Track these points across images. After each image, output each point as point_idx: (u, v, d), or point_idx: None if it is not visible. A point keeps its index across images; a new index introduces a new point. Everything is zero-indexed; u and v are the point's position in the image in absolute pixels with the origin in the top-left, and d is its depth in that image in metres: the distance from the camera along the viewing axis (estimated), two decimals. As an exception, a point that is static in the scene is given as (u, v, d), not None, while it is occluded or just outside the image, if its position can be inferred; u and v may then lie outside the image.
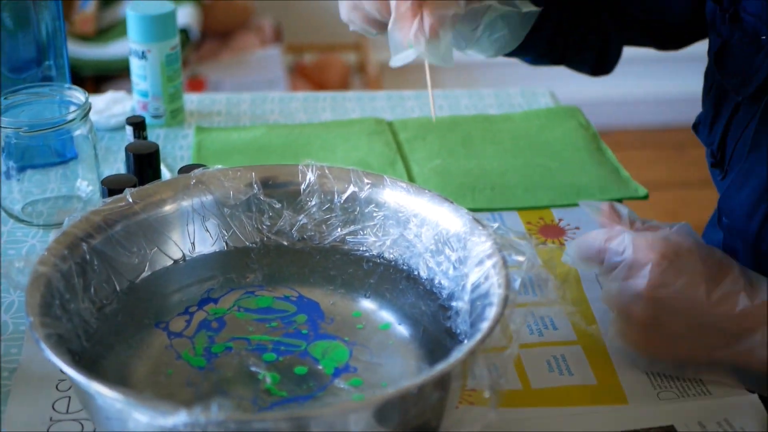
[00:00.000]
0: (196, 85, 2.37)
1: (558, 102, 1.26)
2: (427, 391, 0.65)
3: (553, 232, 1.00)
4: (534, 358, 0.83)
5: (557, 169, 1.09)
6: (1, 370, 0.81)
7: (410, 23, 0.81)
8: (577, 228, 1.00)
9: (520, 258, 0.75)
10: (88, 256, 0.77)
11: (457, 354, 0.66)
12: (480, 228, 0.78)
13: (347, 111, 1.24)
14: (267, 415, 0.61)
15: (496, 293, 0.72)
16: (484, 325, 0.69)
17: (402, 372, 0.77)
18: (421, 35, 0.81)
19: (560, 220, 1.02)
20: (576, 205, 1.03)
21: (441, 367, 0.65)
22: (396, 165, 1.10)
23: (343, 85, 2.63)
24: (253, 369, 0.75)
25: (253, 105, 1.25)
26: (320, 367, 0.76)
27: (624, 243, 0.79)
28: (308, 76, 2.63)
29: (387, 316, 0.82)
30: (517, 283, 0.73)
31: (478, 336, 0.68)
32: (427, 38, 0.82)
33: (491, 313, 0.70)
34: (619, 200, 1.04)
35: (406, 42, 0.83)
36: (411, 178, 1.08)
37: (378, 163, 1.10)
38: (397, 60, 0.85)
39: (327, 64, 2.64)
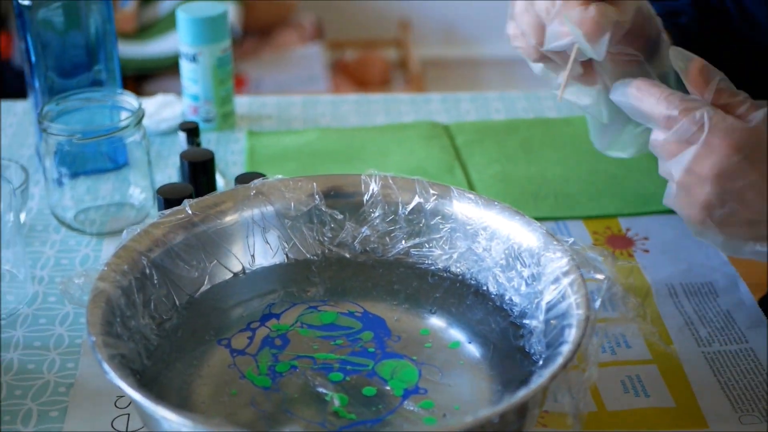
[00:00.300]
0: (237, 82, 2.35)
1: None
2: (508, 419, 0.62)
3: (621, 242, 0.97)
4: (608, 378, 0.80)
5: (622, 177, 1.06)
6: (58, 386, 0.78)
7: (576, 8, 0.76)
8: (646, 238, 0.97)
9: (599, 276, 0.71)
10: (148, 271, 0.75)
11: (539, 379, 0.63)
12: (554, 243, 0.75)
13: (400, 114, 1.21)
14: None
15: (575, 314, 0.69)
16: (565, 349, 0.66)
17: (473, 394, 0.73)
18: (583, 24, 0.76)
19: (628, 229, 0.98)
20: (644, 214, 1.00)
21: (523, 393, 0.62)
22: (454, 171, 1.07)
23: (385, 81, 2.60)
24: (320, 390, 0.72)
25: (304, 108, 1.22)
26: (389, 387, 0.73)
27: (701, 119, 0.71)
28: (349, 73, 2.60)
29: (455, 333, 0.78)
30: (597, 303, 0.69)
31: (560, 360, 0.65)
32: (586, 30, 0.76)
33: (571, 335, 0.67)
34: (687, 209, 1.01)
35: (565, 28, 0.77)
36: (470, 185, 1.05)
37: (436, 170, 1.07)
38: (554, 45, 0.79)
39: (368, 60, 2.61)
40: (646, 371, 0.81)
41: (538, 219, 0.96)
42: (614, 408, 0.77)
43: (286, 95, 1.27)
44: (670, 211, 1.00)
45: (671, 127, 0.72)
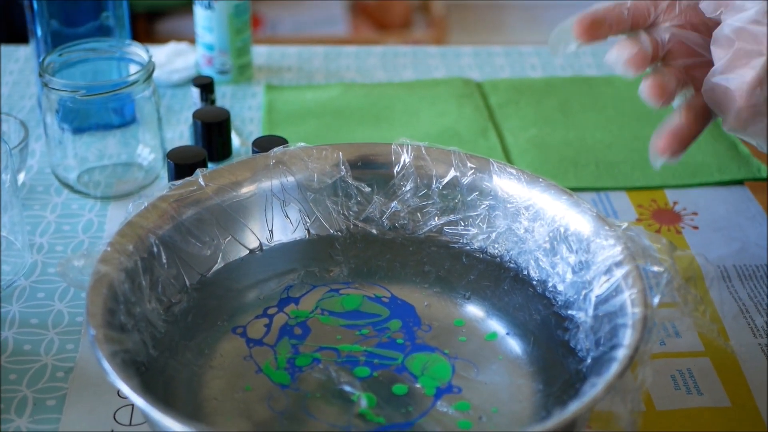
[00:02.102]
0: (254, 22, 2.26)
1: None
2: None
3: (667, 217, 0.89)
4: (657, 373, 0.72)
5: (668, 144, 0.97)
6: (56, 370, 0.72)
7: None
8: (695, 213, 0.89)
9: (658, 269, 0.64)
10: (155, 249, 0.68)
11: (593, 390, 0.56)
12: (606, 228, 0.67)
13: (430, 68, 1.13)
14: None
15: (631, 312, 0.61)
16: (620, 354, 0.59)
17: (512, 393, 0.66)
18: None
19: (675, 203, 0.91)
20: (693, 186, 0.92)
21: (575, 407, 0.55)
22: (488, 134, 0.99)
23: (406, 24, 2.50)
24: (345, 388, 0.65)
25: (327, 60, 1.14)
26: (419, 385, 0.66)
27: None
28: (369, 14, 2.50)
29: (492, 324, 0.71)
30: (656, 301, 0.62)
31: (615, 368, 0.58)
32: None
33: (626, 337, 0.60)
34: (740, 182, 0.93)
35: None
36: (505, 150, 0.97)
37: (468, 132, 0.99)
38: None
39: (389, 3, 2.51)
40: (698, 365, 0.74)
41: (578, 189, 0.90)
42: (664, 407, 0.70)
43: (306, 45, 1.19)
44: (722, 184, 0.93)
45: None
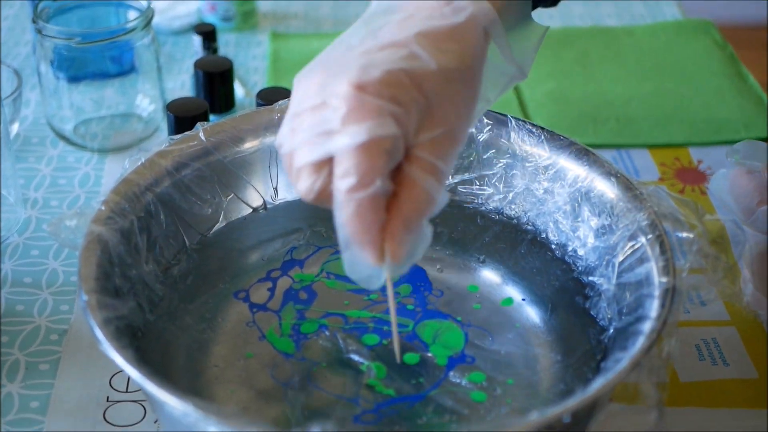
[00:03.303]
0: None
1: (685, 14, 1.09)
2: (580, 415, 0.52)
3: (691, 176, 0.85)
4: (681, 343, 0.69)
5: (691, 99, 0.93)
6: (50, 332, 0.68)
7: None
8: (720, 173, 0.85)
9: (687, 234, 0.60)
10: (152, 208, 0.64)
11: (620, 365, 0.52)
12: (632, 190, 0.63)
13: (442, 17, 1.08)
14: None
15: (658, 282, 0.58)
16: (646, 327, 0.55)
17: (528, 364, 0.63)
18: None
19: (699, 162, 0.87)
20: (717, 143, 0.88)
21: (599, 385, 0.51)
22: (503, 87, 0.95)
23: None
24: (354, 358, 0.62)
25: (336, 7, 1.10)
26: (430, 354, 0.63)
27: None
28: (378, -40, 2.44)
29: (508, 289, 0.68)
30: (684, 270, 0.58)
31: (641, 341, 0.54)
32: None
33: (653, 308, 0.56)
34: (766, 139, 0.89)
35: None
36: (522, 104, 0.93)
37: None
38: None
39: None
40: (724, 335, 0.70)
41: (597, 146, 0.86)
42: (689, 379, 0.67)
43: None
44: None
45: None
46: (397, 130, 0.51)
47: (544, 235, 0.68)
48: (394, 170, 0.53)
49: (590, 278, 0.64)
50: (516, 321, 0.66)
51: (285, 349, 0.63)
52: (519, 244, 0.69)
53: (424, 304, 0.66)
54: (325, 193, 0.53)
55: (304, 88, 0.54)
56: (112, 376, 0.65)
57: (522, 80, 0.62)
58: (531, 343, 0.64)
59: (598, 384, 0.51)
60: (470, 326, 0.65)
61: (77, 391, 0.64)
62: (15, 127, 0.85)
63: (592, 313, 0.63)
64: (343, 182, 0.51)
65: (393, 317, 0.59)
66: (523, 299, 0.67)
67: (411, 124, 0.52)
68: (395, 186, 0.52)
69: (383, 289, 0.63)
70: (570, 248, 0.66)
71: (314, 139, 0.52)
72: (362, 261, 0.53)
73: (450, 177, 0.70)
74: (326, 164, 0.52)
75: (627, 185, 0.64)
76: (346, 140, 0.51)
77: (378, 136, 0.50)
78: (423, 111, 0.52)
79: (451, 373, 0.62)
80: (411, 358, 0.62)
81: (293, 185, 0.54)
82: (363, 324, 0.65)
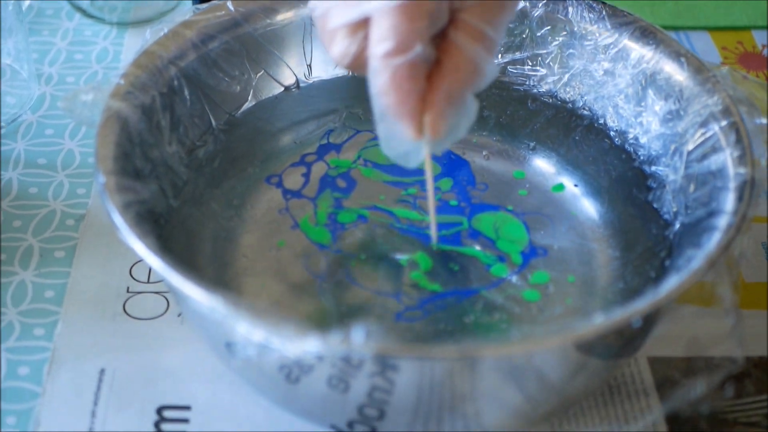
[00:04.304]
0: None
1: None
2: (650, 318, 0.47)
3: (756, 62, 0.79)
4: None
5: (758, -23, 0.86)
6: (66, 217, 0.63)
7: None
8: (787, 59, 0.79)
9: (764, 121, 0.54)
10: (176, 83, 0.58)
11: (694, 265, 0.47)
12: (703, 72, 0.57)
13: None
14: (438, 351, 0.43)
15: (734, 174, 0.52)
16: (722, 222, 0.50)
17: (582, 260, 0.58)
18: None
19: (764, 47, 0.80)
20: (785, 27, 0.82)
21: (673, 285, 0.46)
22: (552, -38, 0.88)
23: None
24: (394, 254, 0.57)
25: None
26: (503, 252, 0.58)
27: None
28: None
29: (561, 179, 0.62)
30: (764, 159, 0.53)
31: (717, 238, 0.49)
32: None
33: (728, 202, 0.51)
34: (838, 23, 0.82)
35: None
36: (572, -19, 0.86)
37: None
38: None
39: None
40: (792, 232, 0.65)
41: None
42: (755, 279, 0.62)
43: None
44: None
45: None
46: None
47: (602, 121, 0.62)
48: (437, 36, 0.48)
49: (653, 168, 0.59)
50: (571, 209, 0.60)
51: (320, 239, 0.58)
52: (573, 131, 0.63)
53: (468, 199, 0.61)
54: (362, 58, 0.47)
55: None
56: (133, 265, 0.60)
57: None
58: (586, 237, 0.59)
59: (671, 284, 0.46)
60: (525, 215, 0.60)
61: (95, 280, 0.60)
62: (28, -2, 0.80)
63: (655, 206, 0.58)
64: (379, 47, 0.46)
65: (431, 196, 0.54)
66: (576, 185, 0.62)
67: None
68: (438, 53, 0.47)
69: (422, 183, 0.58)
70: (631, 135, 0.61)
71: None
72: (398, 135, 0.48)
73: (499, 56, 0.64)
74: (362, 26, 0.47)
75: (698, 67, 0.58)
76: None
77: None
78: None
79: (516, 278, 0.56)
80: (486, 258, 0.57)
81: (327, 49, 0.49)
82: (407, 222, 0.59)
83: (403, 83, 0.46)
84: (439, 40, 0.48)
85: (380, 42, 0.46)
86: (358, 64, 0.48)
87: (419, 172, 0.59)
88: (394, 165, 0.60)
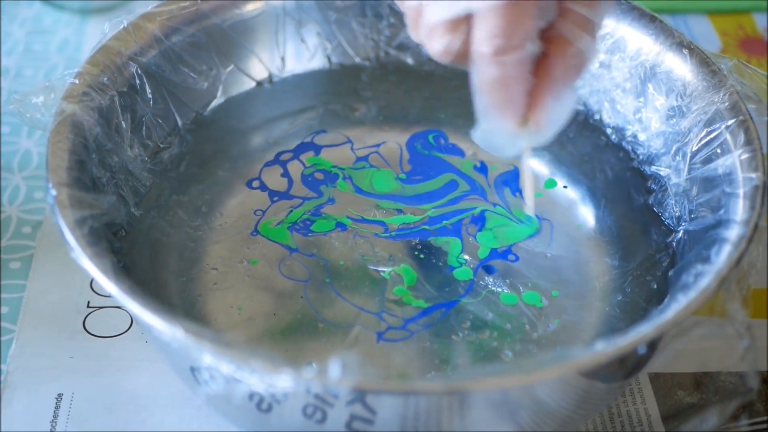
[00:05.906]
0: None
1: None
2: (655, 343, 0.43)
3: (757, 48, 0.75)
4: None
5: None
6: (22, 224, 0.59)
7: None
8: (790, 43, 0.75)
9: (772, 118, 0.50)
10: (137, 81, 0.54)
11: (703, 283, 0.43)
12: (708, 65, 0.53)
13: None
14: (423, 386, 0.39)
15: (743, 178, 0.48)
16: (732, 233, 0.46)
17: (579, 270, 0.54)
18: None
19: (765, 30, 0.76)
20: (787, 10, 0.78)
21: (680, 306, 0.42)
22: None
23: None
24: (374, 266, 0.53)
25: None
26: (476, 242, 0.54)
27: None
28: None
29: (554, 178, 0.58)
30: (775, 162, 0.49)
31: (728, 251, 0.45)
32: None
33: (738, 210, 0.47)
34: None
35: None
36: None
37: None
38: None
39: None
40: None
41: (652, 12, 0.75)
42: (756, 285, 0.58)
43: None
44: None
45: None
46: None
47: (597, 117, 0.58)
48: (543, 29, 0.45)
49: (654, 169, 0.55)
50: (564, 214, 0.56)
51: (281, 239, 0.54)
52: (567, 127, 0.59)
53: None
54: (463, 54, 0.45)
55: None
56: (93, 280, 0.56)
57: None
58: (580, 244, 0.55)
59: (678, 305, 0.42)
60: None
61: (53, 294, 0.55)
62: (-17, -17, 0.75)
63: (656, 210, 0.54)
64: (487, 45, 0.43)
65: (528, 183, 0.52)
66: (565, 186, 0.57)
67: None
68: (545, 46, 0.45)
69: (394, 197, 0.55)
70: (629, 133, 0.57)
71: None
72: (499, 128, 0.47)
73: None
74: (465, 22, 0.44)
75: (703, 59, 0.54)
76: None
77: None
78: None
79: (491, 279, 0.52)
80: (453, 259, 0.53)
81: (422, 44, 0.46)
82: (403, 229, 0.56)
83: (510, 81, 0.45)
84: (546, 32, 0.45)
85: (488, 40, 0.43)
86: (459, 59, 0.46)
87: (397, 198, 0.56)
88: (372, 193, 0.57)
